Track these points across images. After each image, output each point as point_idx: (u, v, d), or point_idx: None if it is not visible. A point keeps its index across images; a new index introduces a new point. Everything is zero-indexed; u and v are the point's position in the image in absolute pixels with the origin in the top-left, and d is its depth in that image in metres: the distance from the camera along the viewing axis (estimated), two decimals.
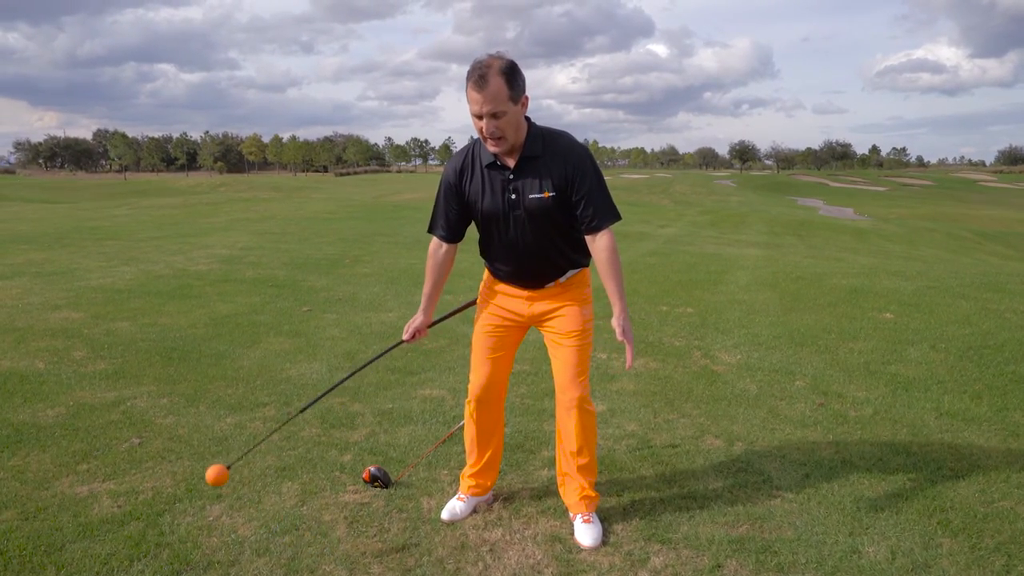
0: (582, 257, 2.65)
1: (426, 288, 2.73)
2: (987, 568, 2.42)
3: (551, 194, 2.45)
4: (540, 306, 2.66)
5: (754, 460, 3.27)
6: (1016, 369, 4.63)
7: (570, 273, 2.65)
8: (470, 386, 2.75)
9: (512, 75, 2.32)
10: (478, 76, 2.28)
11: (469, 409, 2.78)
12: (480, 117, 2.33)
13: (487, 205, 2.51)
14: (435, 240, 2.68)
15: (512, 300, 2.68)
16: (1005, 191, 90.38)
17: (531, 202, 2.46)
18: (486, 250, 2.67)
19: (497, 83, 2.28)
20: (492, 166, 2.48)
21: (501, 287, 2.70)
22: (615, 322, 2.52)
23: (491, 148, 2.41)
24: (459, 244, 2.71)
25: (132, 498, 2.87)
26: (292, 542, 2.57)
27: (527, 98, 2.39)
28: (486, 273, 2.76)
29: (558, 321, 2.65)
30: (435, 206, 2.65)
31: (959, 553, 2.50)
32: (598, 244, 2.51)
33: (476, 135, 2.47)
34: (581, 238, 2.60)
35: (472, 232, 2.73)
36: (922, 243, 22.89)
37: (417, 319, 2.73)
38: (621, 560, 2.47)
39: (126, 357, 4.84)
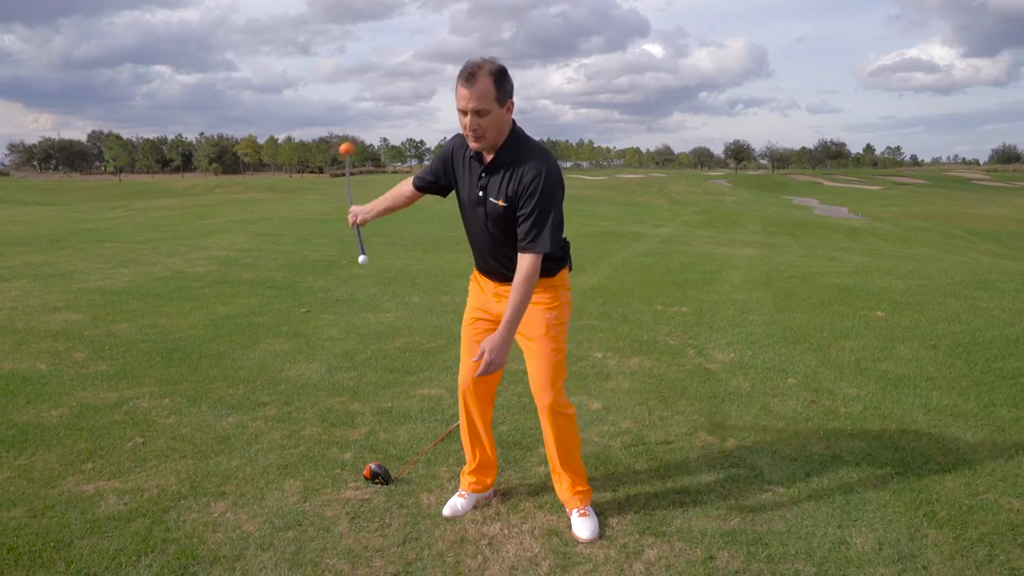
0: (544, 263, 2.55)
1: (381, 200, 2.91)
2: (970, 558, 2.50)
3: (503, 204, 2.52)
4: (504, 306, 2.63)
5: (746, 455, 3.35)
6: (1003, 366, 4.72)
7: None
8: (459, 378, 2.84)
9: (501, 78, 2.39)
10: (468, 74, 2.37)
11: (460, 402, 2.85)
12: (465, 113, 2.41)
13: (463, 193, 2.66)
14: (410, 179, 2.84)
15: (483, 296, 2.78)
16: (998, 190, 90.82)
17: (490, 204, 2.56)
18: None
19: (485, 83, 2.37)
20: (474, 158, 2.59)
21: (479, 277, 2.80)
22: (485, 342, 2.47)
23: (472, 145, 2.50)
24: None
25: (138, 496, 2.93)
26: (296, 537, 2.64)
27: (512, 103, 2.47)
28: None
29: (522, 324, 2.60)
30: (433, 160, 2.81)
31: (944, 544, 2.58)
32: (518, 264, 2.49)
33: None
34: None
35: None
36: (915, 242, 23.04)
37: (362, 208, 2.91)
38: (616, 552, 2.54)
39: (127, 358, 4.89)
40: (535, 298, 2.62)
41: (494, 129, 2.45)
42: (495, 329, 2.70)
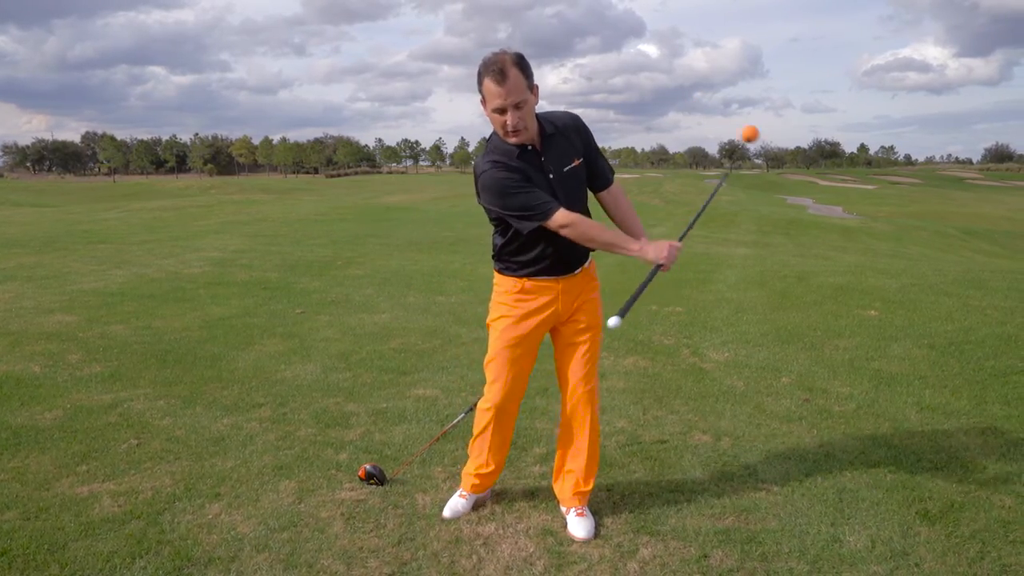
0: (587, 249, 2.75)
1: (621, 237, 2.59)
2: (962, 555, 2.51)
3: (579, 160, 2.60)
4: (570, 298, 2.69)
5: (740, 454, 3.36)
6: (995, 364, 4.74)
7: (590, 257, 2.78)
8: (491, 394, 2.73)
9: (524, 65, 2.41)
10: (496, 70, 2.34)
11: (488, 416, 2.76)
12: (503, 111, 2.39)
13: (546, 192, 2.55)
14: (563, 211, 2.46)
15: (543, 298, 2.66)
16: (992, 188, 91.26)
17: (566, 174, 2.57)
18: (516, 246, 2.61)
19: (515, 74, 2.36)
20: (523, 155, 2.51)
21: (531, 286, 2.64)
22: (660, 253, 2.54)
23: (513, 140, 2.47)
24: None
25: (132, 498, 2.93)
26: (290, 538, 2.64)
27: (537, 87, 2.49)
28: (501, 281, 2.71)
29: (584, 314, 2.73)
30: (528, 195, 2.46)
31: (936, 540, 2.60)
32: (617, 190, 2.75)
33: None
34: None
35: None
36: (909, 241, 23.11)
37: (664, 245, 2.55)
38: (611, 552, 2.55)
39: (121, 360, 4.88)
40: (593, 285, 2.79)
41: (530, 117, 2.47)
42: (543, 333, 2.76)
